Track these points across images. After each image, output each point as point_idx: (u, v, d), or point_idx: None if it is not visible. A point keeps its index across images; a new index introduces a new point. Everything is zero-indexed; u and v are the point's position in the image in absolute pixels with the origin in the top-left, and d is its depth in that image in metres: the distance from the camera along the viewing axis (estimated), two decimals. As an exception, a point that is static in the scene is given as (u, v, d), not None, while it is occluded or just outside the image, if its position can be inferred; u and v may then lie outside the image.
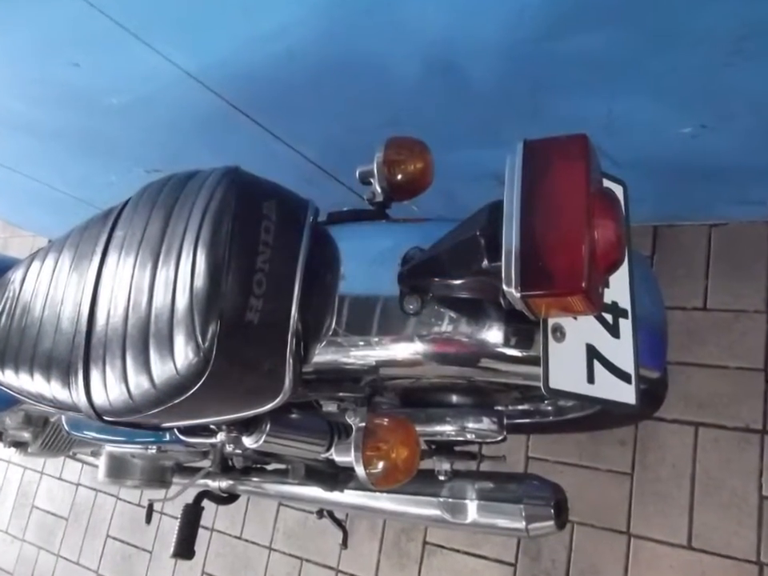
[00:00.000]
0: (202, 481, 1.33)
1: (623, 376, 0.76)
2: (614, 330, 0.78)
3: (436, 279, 0.76)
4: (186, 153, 1.55)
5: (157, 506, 2.08)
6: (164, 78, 1.19)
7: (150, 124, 1.44)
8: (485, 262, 0.68)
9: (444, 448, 1.14)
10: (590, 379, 0.73)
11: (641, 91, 1.15)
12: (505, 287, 0.62)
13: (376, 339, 0.80)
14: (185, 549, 1.25)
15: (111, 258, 0.89)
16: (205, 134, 1.45)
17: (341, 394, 0.93)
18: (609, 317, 0.78)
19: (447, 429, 1.00)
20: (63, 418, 1.22)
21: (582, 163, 0.64)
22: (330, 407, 0.99)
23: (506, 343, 0.77)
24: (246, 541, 1.98)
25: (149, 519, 1.38)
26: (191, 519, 1.25)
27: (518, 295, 0.62)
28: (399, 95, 1.25)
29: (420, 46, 1.12)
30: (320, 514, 1.44)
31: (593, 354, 0.74)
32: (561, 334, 0.72)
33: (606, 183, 0.77)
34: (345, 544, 1.49)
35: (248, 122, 1.31)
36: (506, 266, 0.62)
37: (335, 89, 1.24)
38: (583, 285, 0.60)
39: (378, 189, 0.90)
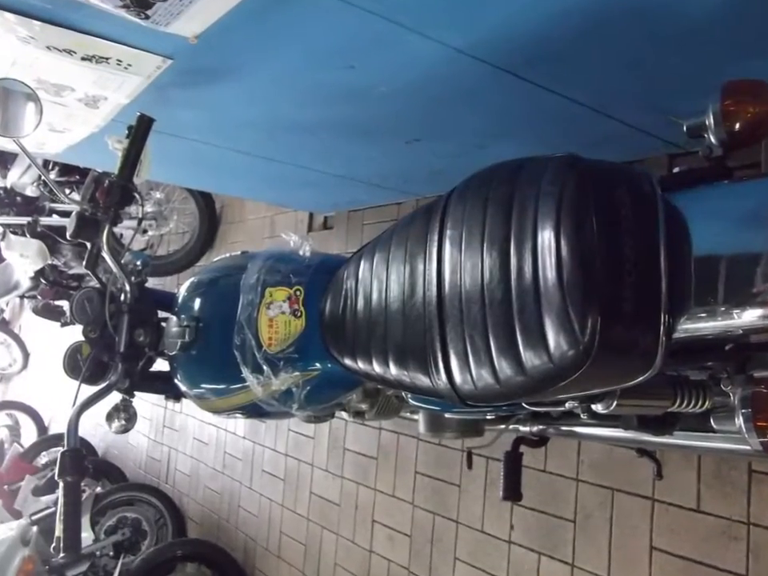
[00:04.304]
0: (513, 427, 1.47)
1: None
2: None
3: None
4: (446, 120, 1.74)
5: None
6: (433, 59, 1.36)
7: (413, 101, 1.63)
8: None
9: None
10: None
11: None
12: None
13: (741, 305, 0.82)
14: (513, 492, 1.43)
15: (450, 254, 1.00)
16: (468, 99, 1.58)
17: (708, 363, 0.99)
18: None
19: None
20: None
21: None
22: (700, 376, 1.04)
23: None
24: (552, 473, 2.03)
25: (470, 465, 1.60)
26: (514, 464, 1.43)
27: None
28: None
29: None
30: (640, 452, 1.48)
31: None
32: None
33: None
34: (659, 475, 1.53)
35: (512, 79, 1.42)
36: None
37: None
38: None
39: (716, 142, 0.90)
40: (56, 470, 1.23)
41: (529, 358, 0.87)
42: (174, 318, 1.42)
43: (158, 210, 3.65)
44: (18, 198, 3.79)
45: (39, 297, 4.38)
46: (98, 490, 3.61)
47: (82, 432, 1.37)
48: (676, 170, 0.98)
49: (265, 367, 1.27)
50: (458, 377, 0.97)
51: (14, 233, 3.72)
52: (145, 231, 3.66)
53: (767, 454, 0.91)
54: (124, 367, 1.40)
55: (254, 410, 1.40)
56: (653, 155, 1.76)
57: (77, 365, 1.41)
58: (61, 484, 1.21)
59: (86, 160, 2.47)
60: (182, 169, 2.48)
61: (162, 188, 3.68)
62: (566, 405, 1.02)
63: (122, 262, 1.43)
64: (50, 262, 3.88)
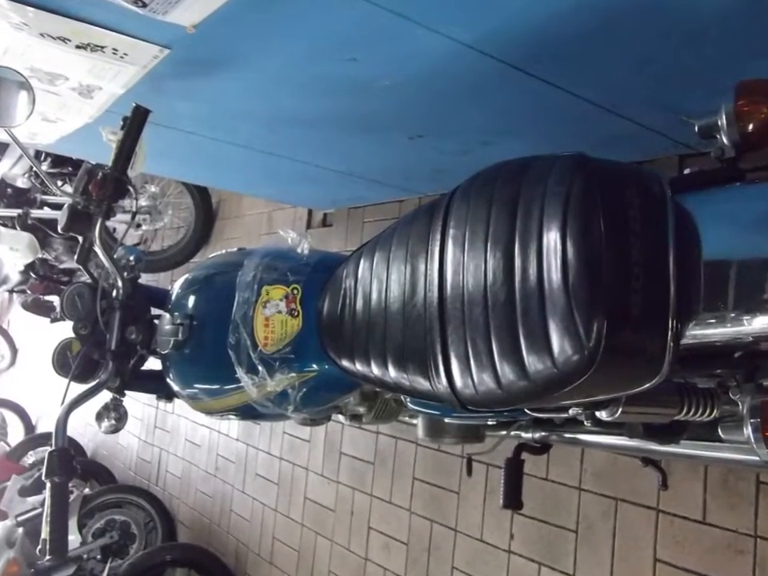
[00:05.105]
0: (514, 433, 1.49)
1: None
2: None
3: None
4: (451, 116, 1.74)
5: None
6: (439, 53, 1.37)
7: (417, 96, 1.63)
8: None
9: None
10: None
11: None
12: None
13: (752, 312, 0.83)
14: (513, 500, 1.45)
15: (452, 254, 1.00)
16: (474, 95, 1.59)
17: (717, 370, 0.99)
18: None
19: None
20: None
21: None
22: (708, 383, 1.05)
23: None
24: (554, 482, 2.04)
25: (470, 471, 1.61)
26: (515, 471, 1.47)
27: None
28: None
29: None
30: (645, 461, 1.49)
31: None
32: None
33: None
34: (664, 485, 1.54)
35: (520, 75, 1.42)
36: None
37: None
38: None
39: (728, 143, 0.91)
40: (43, 470, 1.23)
41: (532, 362, 0.87)
42: (168, 316, 1.42)
43: (153, 204, 3.65)
44: (9, 190, 3.80)
45: (29, 291, 4.38)
46: (86, 491, 3.61)
47: (71, 431, 1.37)
48: (687, 171, 0.98)
49: (260, 367, 1.27)
50: (458, 380, 0.97)
51: (4, 225, 3.72)
52: (139, 226, 3.67)
53: None
54: (115, 365, 1.40)
55: (248, 412, 1.40)
56: (663, 156, 1.77)
57: (66, 362, 1.42)
58: (48, 485, 1.21)
59: (79, 151, 2.47)
60: (178, 162, 2.48)
61: (157, 181, 3.68)
62: (570, 411, 1.02)
63: (115, 257, 1.43)
64: (40, 256, 3.89)
